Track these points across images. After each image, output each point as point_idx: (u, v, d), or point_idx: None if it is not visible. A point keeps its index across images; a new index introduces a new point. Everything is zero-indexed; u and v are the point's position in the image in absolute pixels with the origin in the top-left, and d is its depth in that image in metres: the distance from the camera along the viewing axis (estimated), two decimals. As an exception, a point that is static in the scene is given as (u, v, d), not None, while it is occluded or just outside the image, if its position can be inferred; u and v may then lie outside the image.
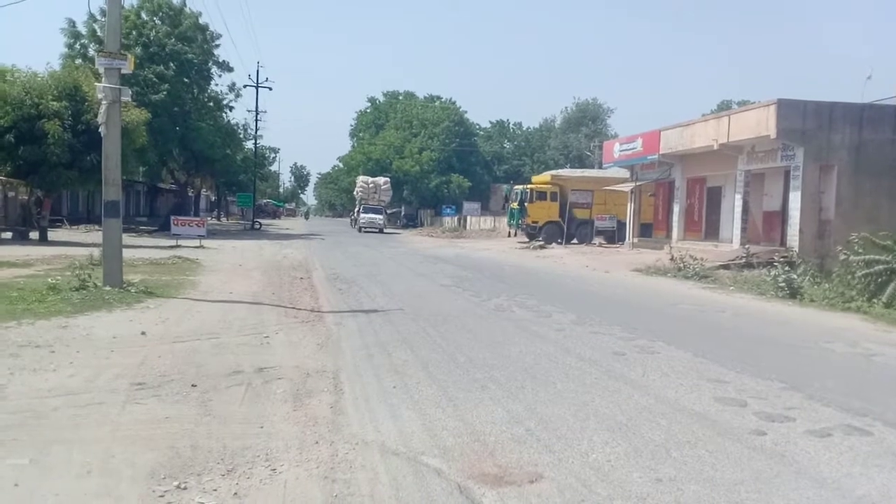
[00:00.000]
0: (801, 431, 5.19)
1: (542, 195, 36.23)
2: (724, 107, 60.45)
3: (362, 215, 50.38)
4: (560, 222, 35.67)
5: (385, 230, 49.84)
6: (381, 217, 50.25)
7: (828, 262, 15.75)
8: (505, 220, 42.31)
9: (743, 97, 67.55)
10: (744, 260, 18.80)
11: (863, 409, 5.84)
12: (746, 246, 20.25)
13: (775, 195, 22.64)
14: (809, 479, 4.28)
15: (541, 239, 34.74)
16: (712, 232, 25.51)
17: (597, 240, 33.82)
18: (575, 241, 33.95)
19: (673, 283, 17.20)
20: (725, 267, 18.62)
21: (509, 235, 39.94)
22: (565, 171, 42.30)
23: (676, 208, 26.93)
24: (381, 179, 56.70)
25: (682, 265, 18.48)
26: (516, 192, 38.24)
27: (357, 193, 56.21)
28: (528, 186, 37.74)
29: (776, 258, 16.75)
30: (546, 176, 39.54)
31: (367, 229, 48.19)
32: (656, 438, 4.94)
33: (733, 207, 23.14)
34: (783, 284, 14.19)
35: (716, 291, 15.34)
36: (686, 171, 26.59)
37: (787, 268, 15.10)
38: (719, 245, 23.42)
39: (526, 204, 35.94)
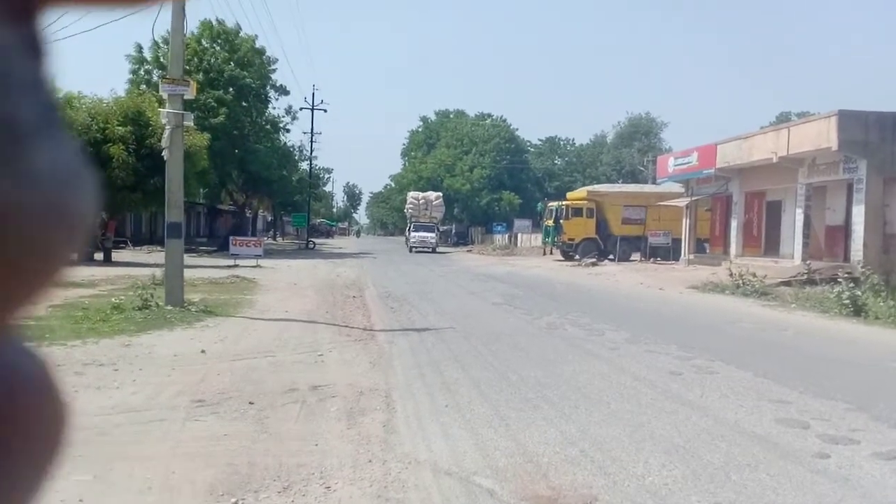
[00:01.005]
0: (866, 454, 5.00)
1: (577, 211, 35.55)
2: (783, 119, 59.02)
3: (413, 234, 46.25)
4: (597, 239, 35.05)
5: (438, 249, 46.25)
6: (433, 235, 45.83)
7: (894, 279, 15.17)
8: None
9: (802, 109, 65.90)
10: (805, 276, 18.24)
11: (934, 431, 5.59)
12: (808, 262, 19.67)
13: (838, 209, 21.94)
14: (877, 506, 4.12)
15: (578, 256, 34.33)
16: (772, 247, 24.84)
17: (636, 255, 33.12)
18: (611, 257, 33.34)
19: (731, 300, 16.79)
20: (786, 283, 18.09)
21: (544, 253, 39.21)
22: (602, 187, 41.60)
23: (734, 223, 26.32)
24: (432, 194, 52.37)
25: (740, 282, 18.03)
26: (551, 210, 37.58)
27: (407, 210, 52.11)
28: (564, 203, 37.01)
29: (840, 274, 16.19)
30: (582, 192, 38.86)
31: (419, 248, 44.17)
32: (715, 461, 4.82)
33: (794, 222, 22.51)
34: (847, 301, 13.71)
35: (776, 309, 14.91)
36: (744, 184, 26.01)
37: (851, 284, 14.58)
38: (779, 261, 22.78)
39: (561, 221, 35.33)
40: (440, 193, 54.05)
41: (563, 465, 4.72)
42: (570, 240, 35.30)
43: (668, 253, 32.72)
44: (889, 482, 4.48)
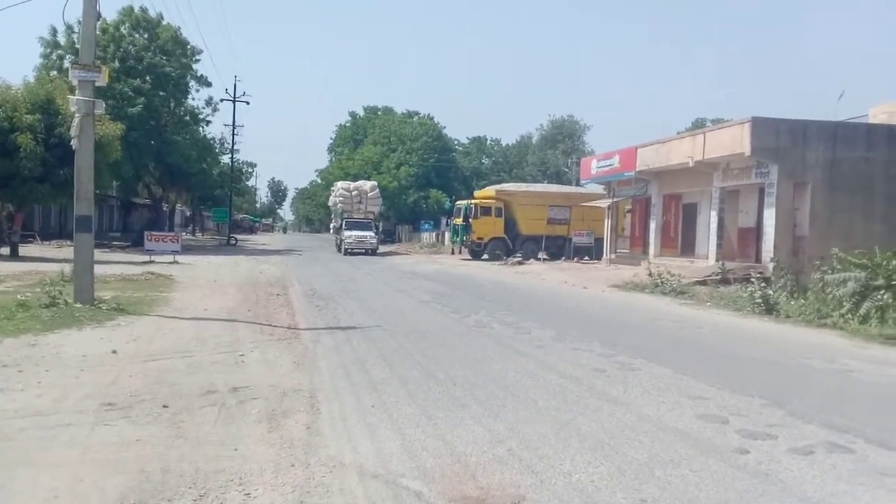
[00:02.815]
0: (783, 449, 5.16)
1: (486, 210, 35.21)
2: (699, 125, 61.26)
3: (346, 233, 37.49)
4: (505, 238, 35.09)
5: (378, 251, 38.34)
6: (372, 234, 37.84)
7: (803, 278, 15.90)
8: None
9: (717, 115, 68.59)
10: (720, 276, 18.92)
11: (844, 425, 5.83)
12: (722, 262, 20.41)
13: (750, 212, 22.87)
14: (794, 499, 4.23)
15: (487, 255, 34.36)
16: (688, 248, 25.70)
17: (542, 255, 33.32)
18: (519, 255, 33.39)
19: (651, 298, 17.25)
20: (702, 283, 18.72)
21: (452, 253, 38.61)
22: (510, 186, 41.43)
23: (653, 224, 27.12)
24: (366, 184, 42.69)
25: (659, 281, 18.57)
26: (459, 208, 37.21)
27: (336, 205, 42.08)
28: (472, 202, 36.71)
29: (752, 274, 16.86)
30: (490, 191, 38.54)
31: (355, 250, 36.67)
32: (639, 458, 4.87)
33: (709, 224, 23.33)
34: (759, 300, 14.28)
35: (693, 307, 15.41)
36: (662, 187, 26.82)
37: (763, 284, 15.20)
38: (695, 261, 23.58)
39: (470, 220, 34.99)
40: (375, 183, 44.66)
41: (491, 464, 4.68)
42: (478, 239, 35.10)
43: (590, 252, 33.33)
44: (806, 476, 4.62)
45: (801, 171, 19.48)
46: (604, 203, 31.52)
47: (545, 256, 33.14)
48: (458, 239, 36.84)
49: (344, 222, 39.03)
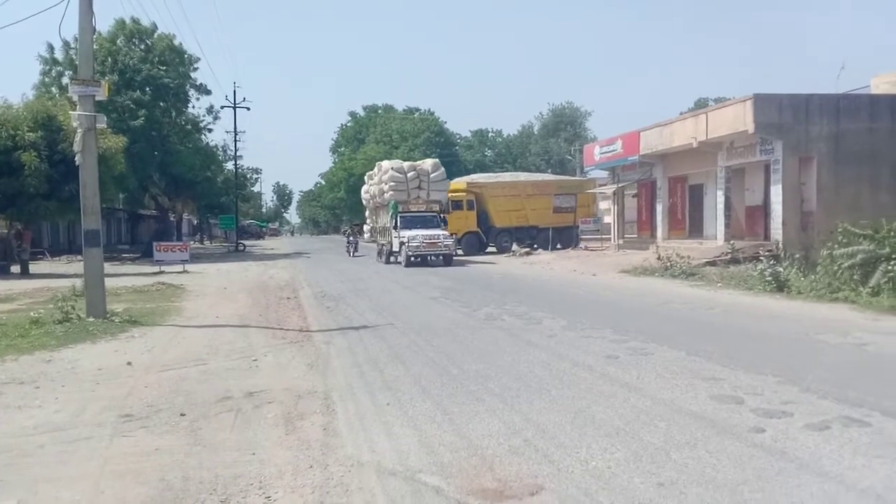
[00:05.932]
0: (799, 426, 5.15)
1: (457, 204, 33.18)
2: (701, 105, 60.96)
3: (405, 233, 25.77)
4: (479, 232, 33.98)
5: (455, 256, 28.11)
6: (444, 233, 26.53)
7: (812, 254, 15.82)
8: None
9: (718, 94, 68.27)
10: (729, 256, 18.87)
11: (859, 399, 5.81)
12: (731, 242, 20.35)
13: (756, 189, 22.77)
14: (812, 475, 4.23)
15: (462, 251, 32.80)
16: (696, 229, 25.61)
17: (516, 248, 32.19)
18: (494, 249, 32.26)
19: (661, 282, 17.22)
20: (712, 264, 18.67)
21: None
22: (480, 177, 40.08)
23: (659, 208, 27.02)
24: (428, 163, 30.07)
25: (668, 264, 18.53)
26: None
27: (382, 194, 29.19)
28: None
29: (761, 252, 16.81)
30: (461, 183, 36.08)
31: (422, 258, 25.81)
32: (655, 441, 4.88)
33: (716, 204, 23.26)
34: (770, 278, 14.24)
35: (704, 289, 15.37)
36: (667, 170, 26.71)
37: (772, 261, 15.15)
38: (704, 242, 23.50)
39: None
40: (438, 161, 31.55)
41: (507, 455, 4.70)
42: (452, 234, 32.63)
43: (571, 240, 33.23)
44: (824, 452, 4.61)
45: (806, 145, 19.38)
46: (609, 189, 31.44)
47: (523, 249, 31.75)
48: None
49: (399, 218, 26.89)
